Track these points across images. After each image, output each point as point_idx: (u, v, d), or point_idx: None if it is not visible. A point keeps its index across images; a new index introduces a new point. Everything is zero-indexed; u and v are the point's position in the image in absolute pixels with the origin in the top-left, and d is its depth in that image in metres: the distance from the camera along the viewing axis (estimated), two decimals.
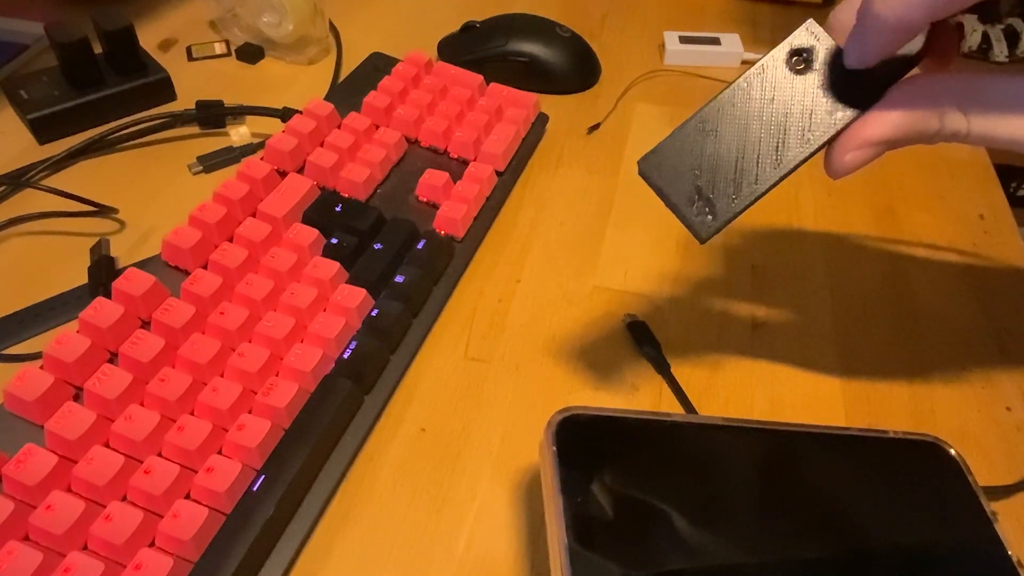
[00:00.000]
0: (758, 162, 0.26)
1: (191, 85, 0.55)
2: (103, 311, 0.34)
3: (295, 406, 0.33)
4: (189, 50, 0.59)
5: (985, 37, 1.55)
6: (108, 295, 0.35)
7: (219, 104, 0.51)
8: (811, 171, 0.52)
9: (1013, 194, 1.73)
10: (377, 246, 0.40)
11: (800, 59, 0.25)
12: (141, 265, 0.37)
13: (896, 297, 0.44)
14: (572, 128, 0.55)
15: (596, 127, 0.55)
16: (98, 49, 0.52)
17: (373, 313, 0.37)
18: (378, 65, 0.54)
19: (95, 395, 0.31)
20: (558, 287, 0.43)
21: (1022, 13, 1.56)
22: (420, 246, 0.41)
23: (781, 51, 0.26)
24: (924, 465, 0.28)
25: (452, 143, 0.48)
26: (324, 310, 0.37)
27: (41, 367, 0.33)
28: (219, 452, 0.31)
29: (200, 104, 0.51)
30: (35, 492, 0.29)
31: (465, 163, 0.48)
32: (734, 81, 0.26)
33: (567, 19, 0.60)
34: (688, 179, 0.26)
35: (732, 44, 0.62)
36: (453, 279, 0.42)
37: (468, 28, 0.59)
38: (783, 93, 0.25)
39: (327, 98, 0.50)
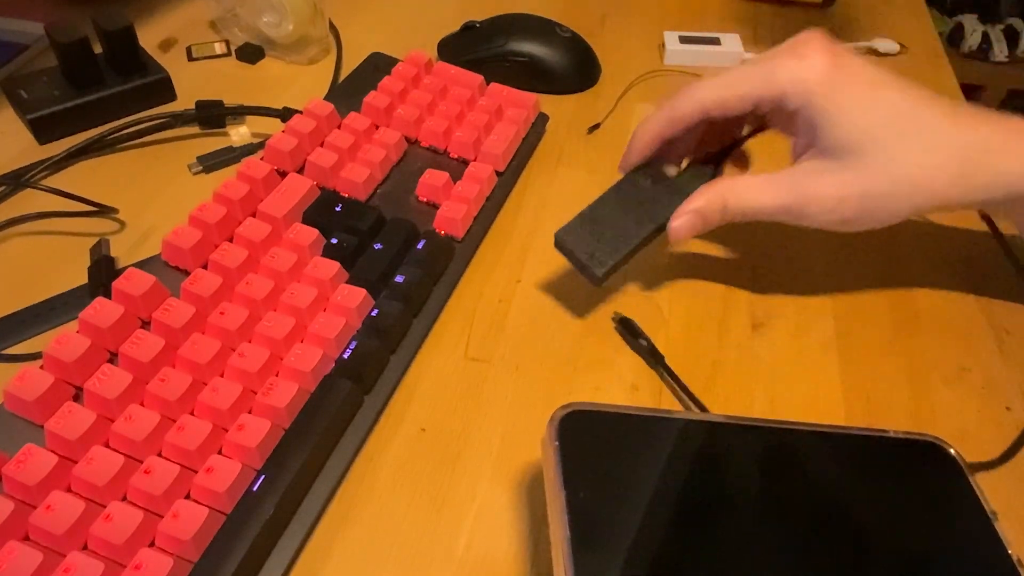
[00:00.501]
0: (626, 232, 0.38)
1: (191, 85, 0.55)
2: (103, 311, 0.34)
3: (295, 406, 0.33)
4: (189, 50, 0.59)
5: (985, 37, 1.55)
6: (108, 295, 0.35)
7: (219, 104, 0.51)
8: None
9: None
10: (377, 246, 0.40)
11: (647, 175, 0.40)
12: (141, 265, 0.37)
13: (896, 297, 0.44)
14: (572, 128, 0.55)
15: (596, 127, 0.55)
16: (98, 49, 0.52)
17: (373, 313, 0.37)
18: (378, 65, 0.54)
19: (95, 395, 0.31)
20: (558, 287, 0.43)
21: (1022, 13, 1.56)
22: (420, 246, 0.41)
23: (637, 172, 0.40)
24: (924, 465, 0.28)
25: (452, 143, 0.48)
26: (324, 310, 0.37)
27: (41, 367, 0.33)
28: (219, 452, 0.31)
29: (200, 104, 0.51)
30: (35, 492, 0.29)
31: (465, 163, 0.48)
32: (612, 185, 0.40)
33: (567, 19, 0.60)
34: (587, 243, 0.38)
35: (732, 44, 0.62)
36: (453, 279, 0.42)
37: (468, 28, 0.59)
38: (638, 194, 0.40)
39: (327, 98, 0.50)
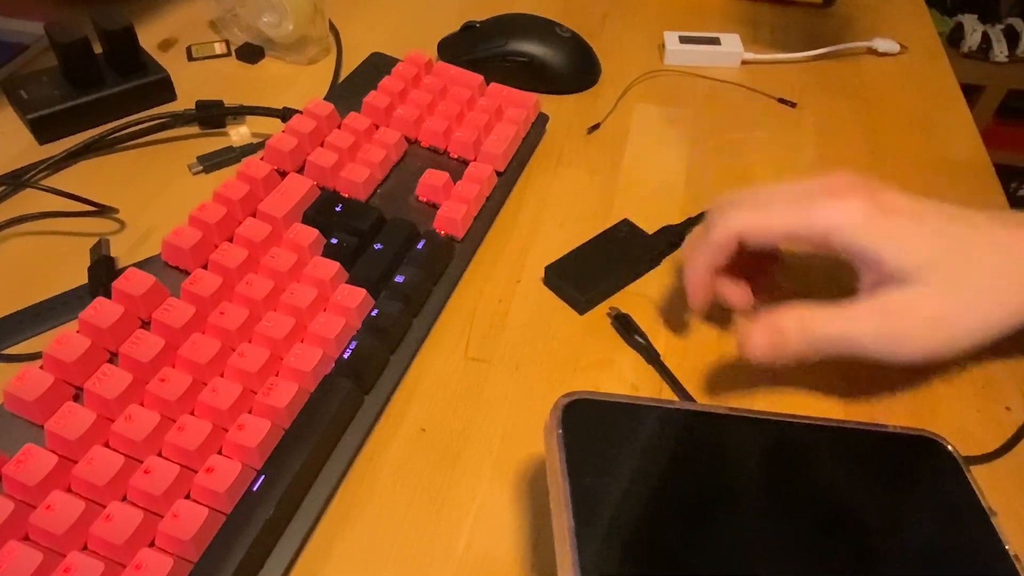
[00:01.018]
0: (609, 274, 0.42)
1: (191, 85, 0.55)
2: (103, 311, 0.34)
3: (295, 406, 0.33)
4: (189, 50, 0.59)
5: (985, 37, 1.55)
6: (108, 295, 0.35)
7: (219, 104, 0.51)
8: (811, 171, 0.52)
9: (1013, 194, 1.73)
10: (377, 246, 0.40)
11: (623, 229, 0.45)
12: (141, 265, 0.37)
13: None
14: (572, 128, 0.55)
15: (596, 127, 0.55)
16: (98, 49, 0.52)
17: (373, 313, 0.37)
18: (378, 65, 0.54)
19: (95, 395, 0.31)
20: None
21: (1022, 13, 1.56)
22: (420, 246, 0.41)
23: (617, 224, 0.45)
24: (922, 460, 0.28)
25: (452, 143, 0.48)
26: (324, 310, 0.37)
27: (41, 367, 0.33)
28: (219, 452, 0.31)
29: (200, 104, 0.51)
30: (35, 492, 0.29)
31: (465, 163, 0.48)
32: (598, 234, 0.45)
33: (567, 19, 0.60)
34: (574, 279, 0.42)
35: (732, 44, 0.62)
36: (453, 279, 0.42)
37: (468, 28, 0.59)
38: (621, 245, 0.44)
39: (327, 98, 0.50)
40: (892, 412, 0.37)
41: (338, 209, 0.42)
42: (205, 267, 0.38)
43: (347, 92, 0.51)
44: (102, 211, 0.44)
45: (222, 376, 0.34)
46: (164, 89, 0.54)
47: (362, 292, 0.37)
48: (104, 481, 0.29)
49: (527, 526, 0.32)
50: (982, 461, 0.35)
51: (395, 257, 0.40)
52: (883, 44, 0.64)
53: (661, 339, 0.40)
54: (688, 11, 0.69)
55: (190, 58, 0.58)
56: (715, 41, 0.62)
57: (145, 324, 0.35)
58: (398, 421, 0.36)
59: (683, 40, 0.62)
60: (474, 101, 0.51)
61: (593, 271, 0.42)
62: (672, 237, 0.45)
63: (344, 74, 0.58)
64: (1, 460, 0.30)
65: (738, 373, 0.39)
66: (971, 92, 1.50)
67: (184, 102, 0.54)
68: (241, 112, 0.51)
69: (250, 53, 0.58)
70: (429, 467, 0.34)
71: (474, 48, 0.57)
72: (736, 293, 0.39)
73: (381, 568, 0.31)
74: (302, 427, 0.32)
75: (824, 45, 0.63)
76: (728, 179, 0.51)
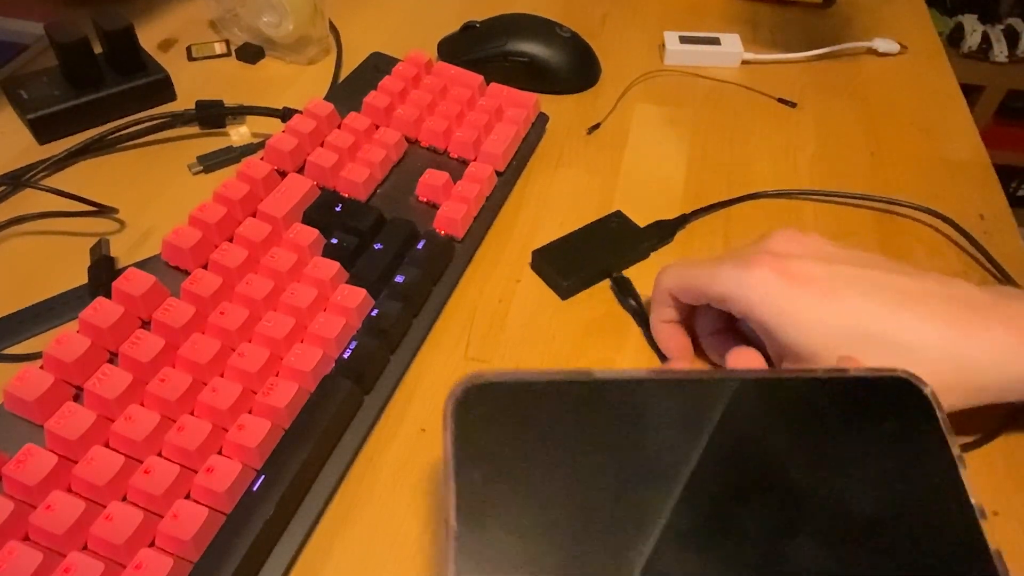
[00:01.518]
0: (595, 262, 0.43)
1: (191, 85, 0.55)
2: (103, 311, 0.34)
3: (295, 406, 0.33)
4: (189, 50, 0.59)
5: (985, 37, 1.55)
6: (108, 295, 0.35)
7: (219, 104, 0.51)
8: (811, 172, 0.52)
9: (1013, 194, 1.73)
10: (377, 246, 0.40)
11: (615, 220, 0.45)
12: (141, 265, 0.37)
13: None
14: (572, 128, 0.55)
15: (596, 127, 0.55)
16: (98, 49, 0.52)
17: (373, 313, 0.37)
18: (378, 65, 0.54)
19: (95, 395, 0.31)
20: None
21: (1022, 13, 1.56)
22: (420, 246, 0.41)
23: (608, 215, 0.46)
24: (890, 404, 0.25)
25: (452, 143, 0.48)
26: (324, 310, 0.37)
27: (41, 367, 0.33)
28: (219, 452, 0.31)
29: (200, 104, 0.51)
30: (35, 492, 0.29)
31: (465, 163, 0.48)
32: (589, 223, 0.45)
33: (567, 19, 0.60)
34: (559, 263, 0.42)
35: (732, 44, 0.62)
36: (453, 279, 0.42)
37: (468, 28, 0.59)
38: (611, 235, 0.45)
39: (327, 98, 0.50)
40: None
41: (338, 209, 0.42)
42: (205, 267, 0.38)
43: (347, 92, 0.51)
44: (102, 211, 0.44)
45: (222, 376, 0.34)
46: (164, 89, 0.54)
47: (362, 292, 0.37)
48: (104, 481, 0.29)
49: None
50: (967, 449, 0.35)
51: (395, 257, 0.40)
52: (883, 44, 0.64)
53: None
54: (688, 11, 0.69)
55: (190, 58, 0.58)
56: (715, 41, 0.62)
57: (145, 324, 0.35)
58: (398, 421, 0.36)
59: (683, 40, 0.62)
60: (474, 101, 0.51)
61: (579, 258, 0.43)
62: (663, 232, 0.45)
63: (344, 74, 0.58)
64: (1, 460, 0.30)
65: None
66: (971, 92, 1.50)
67: (184, 102, 0.54)
68: (241, 112, 0.51)
69: (250, 53, 0.58)
70: (429, 467, 0.34)
71: (474, 48, 0.57)
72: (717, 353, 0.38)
73: (381, 568, 0.31)
74: (302, 427, 0.32)
75: (824, 45, 0.63)
76: (728, 179, 0.51)
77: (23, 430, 0.31)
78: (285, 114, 0.50)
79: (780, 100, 0.58)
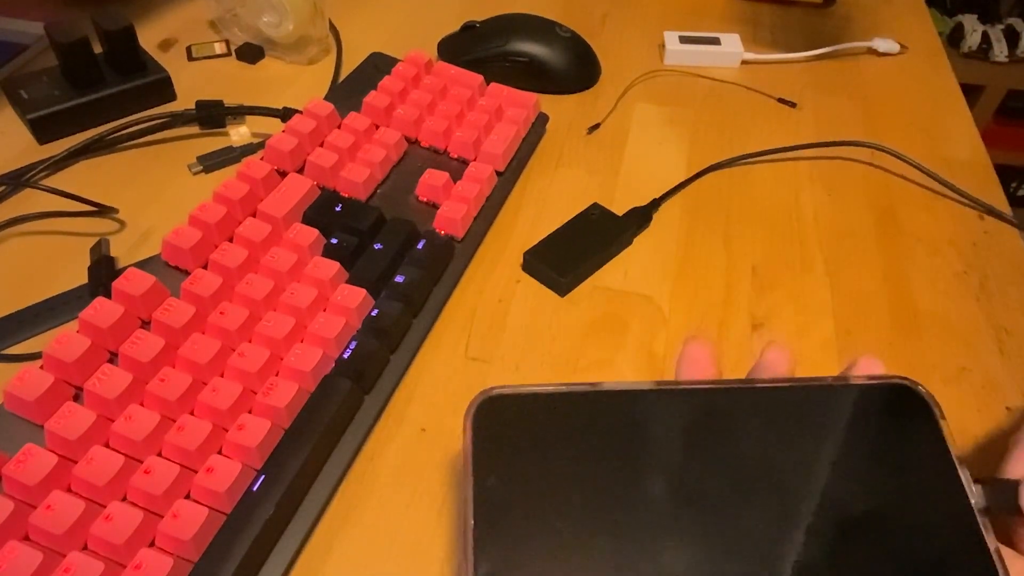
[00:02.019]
0: (586, 255, 0.43)
1: (191, 85, 0.55)
2: (103, 311, 0.34)
3: (295, 406, 0.33)
4: (189, 50, 0.59)
5: (985, 37, 1.55)
6: (108, 295, 0.35)
7: (219, 104, 0.51)
8: (811, 171, 0.52)
9: (1013, 194, 1.73)
10: (377, 246, 0.40)
11: (594, 212, 0.46)
12: (141, 265, 0.37)
13: (896, 297, 0.44)
14: (572, 128, 0.55)
15: (596, 127, 0.55)
16: (98, 49, 0.52)
17: (373, 313, 0.37)
18: (378, 65, 0.54)
19: (95, 395, 0.31)
20: None
21: (1022, 13, 1.56)
22: (420, 246, 0.41)
23: (587, 208, 0.46)
24: (892, 410, 0.25)
25: (452, 143, 0.48)
26: (324, 310, 0.37)
27: (41, 367, 0.33)
28: (219, 452, 0.31)
29: (200, 104, 0.51)
30: (35, 492, 0.29)
31: (465, 163, 0.48)
32: (570, 219, 0.46)
33: (567, 19, 0.60)
34: (552, 261, 0.43)
35: (732, 44, 0.62)
36: (453, 279, 0.42)
37: (468, 28, 0.59)
38: (594, 227, 0.45)
39: (327, 98, 0.50)
40: None
41: (338, 209, 0.42)
42: (205, 267, 0.38)
43: (347, 92, 0.51)
44: (102, 211, 0.44)
45: (222, 376, 0.34)
46: (164, 89, 0.54)
47: (362, 292, 0.37)
48: (104, 481, 0.29)
49: None
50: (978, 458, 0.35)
51: (395, 257, 0.40)
52: (883, 44, 0.64)
53: (661, 342, 0.40)
54: (688, 11, 0.69)
55: (190, 58, 0.58)
56: (715, 41, 0.62)
57: (145, 324, 0.35)
58: (398, 421, 0.36)
59: (683, 40, 0.62)
60: (474, 101, 0.51)
61: (570, 254, 0.44)
62: (641, 218, 0.47)
63: (344, 74, 0.58)
64: (1, 460, 0.30)
65: (739, 375, 0.39)
66: (971, 92, 1.50)
67: (184, 102, 0.54)
68: (241, 112, 0.51)
69: (250, 53, 0.58)
70: (429, 467, 0.34)
71: (474, 48, 0.57)
72: None
73: (381, 568, 0.31)
74: (302, 427, 0.32)
75: (824, 45, 0.63)
76: (728, 179, 0.51)
77: (23, 430, 0.31)
78: (285, 114, 0.50)
79: (780, 100, 0.58)
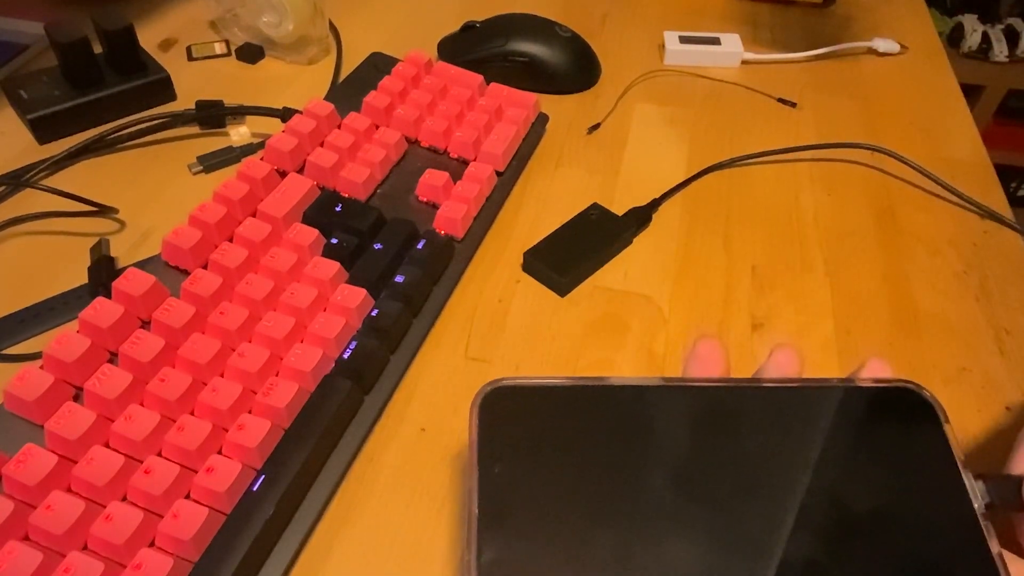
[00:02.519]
0: (586, 255, 0.43)
1: (191, 85, 0.55)
2: (103, 311, 0.34)
3: (295, 406, 0.33)
4: (189, 50, 0.59)
5: (985, 37, 1.55)
6: (108, 295, 0.35)
7: (219, 104, 0.51)
8: (811, 171, 0.52)
9: (1013, 194, 1.73)
10: (377, 246, 0.40)
11: (594, 212, 0.46)
12: (141, 265, 0.37)
13: (896, 297, 0.44)
14: (572, 128, 0.55)
15: (596, 127, 0.55)
16: (98, 49, 0.52)
17: (373, 313, 0.37)
18: (378, 65, 0.54)
19: (95, 395, 0.31)
20: None
21: (1022, 13, 1.56)
22: (420, 246, 0.41)
23: (587, 208, 0.47)
24: (896, 412, 0.25)
25: (452, 143, 0.48)
26: (324, 310, 0.37)
27: (41, 367, 0.32)
28: (219, 452, 0.31)
29: (200, 104, 0.51)
30: (35, 492, 0.29)
31: (465, 163, 0.48)
32: (570, 219, 0.46)
33: (567, 19, 0.60)
34: (552, 261, 0.43)
35: (732, 44, 0.62)
36: (453, 279, 0.42)
37: (468, 28, 0.59)
38: (593, 227, 0.45)
39: (327, 98, 0.50)
40: None
41: (338, 209, 0.42)
42: (205, 267, 0.38)
43: (347, 92, 0.51)
44: (102, 211, 0.44)
45: (222, 376, 0.34)
46: (164, 89, 0.54)
47: (362, 292, 0.37)
48: (104, 481, 0.29)
49: None
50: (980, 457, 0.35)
51: (395, 257, 0.40)
52: (883, 44, 0.64)
53: (661, 343, 0.40)
54: (688, 11, 0.69)
55: (190, 58, 0.58)
56: (715, 41, 0.62)
57: (145, 324, 0.35)
58: (398, 421, 0.36)
59: (683, 40, 0.62)
60: (474, 101, 0.51)
61: (570, 254, 0.44)
62: (640, 217, 0.47)
63: (344, 74, 0.58)
64: (1, 460, 0.30)
65: (739, 375, 0.39)
66: (971, 92, 1.50)
67: (184, 102, 0.54)
68: (241, 112, 0.51)
69: (250, 53, 0.58)
70: (429, 467, 0.34)
71: (474, 48, 0.57)
72: None
73: (381, 568, 0.31)
74: (302, 427, 0.32)
75: (824, 45, 0.63)
76: (727, 179, 0.51)
77: (23, 430, 0.31)
78: (285, 114, 0.50)
79: (780, 100, 0.58)
